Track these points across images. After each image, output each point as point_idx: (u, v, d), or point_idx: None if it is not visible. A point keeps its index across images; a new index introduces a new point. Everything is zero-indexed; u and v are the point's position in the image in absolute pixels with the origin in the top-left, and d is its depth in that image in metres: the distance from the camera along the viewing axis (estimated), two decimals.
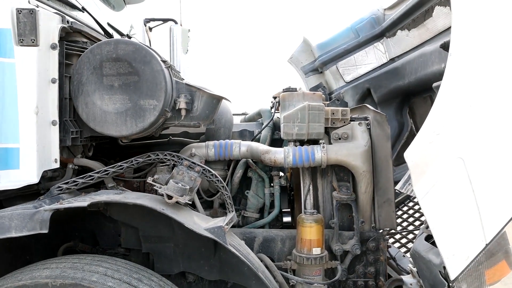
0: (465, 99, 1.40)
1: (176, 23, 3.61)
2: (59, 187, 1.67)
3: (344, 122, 2.05)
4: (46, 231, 1.39)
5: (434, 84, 1.91)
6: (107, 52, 1.70)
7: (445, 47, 1.78)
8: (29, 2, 1.64)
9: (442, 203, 1.44)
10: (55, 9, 1.83)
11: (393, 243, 3.29)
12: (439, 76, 2.03)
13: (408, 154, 1.42)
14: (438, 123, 1.41)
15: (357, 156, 1.97)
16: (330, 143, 2.05)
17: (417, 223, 3.46)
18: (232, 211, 1.82)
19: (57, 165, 1.66)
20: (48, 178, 1.76)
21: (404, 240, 3.34)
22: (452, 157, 1.42)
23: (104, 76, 1.70)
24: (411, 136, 2.90)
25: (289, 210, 2.39)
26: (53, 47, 1.62)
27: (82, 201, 1.49)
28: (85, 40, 1.86)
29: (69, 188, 1.68)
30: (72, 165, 1.85)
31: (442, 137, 1.41)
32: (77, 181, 1.70)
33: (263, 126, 2.38)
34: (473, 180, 1.39)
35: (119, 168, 1.77)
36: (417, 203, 3.39)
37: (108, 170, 1.75)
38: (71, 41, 1.77)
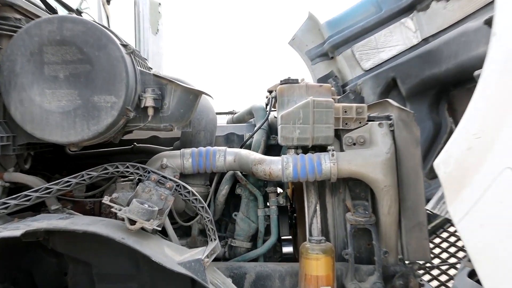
0: None
1: None
2: None
3: (360, 122, 2.06)
4: None
5: (476, 72, 1.93)
6: (49, 33, 1.71)
7: (490, 23, 1.80)
8: None
9: (487, 227, 1.45)
10: None
11: (429, 281, 3.30)
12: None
13: (439, 164, 1.43)
14: (479, 124, 1.42)
15: (377, 166, 1.98)
16: (342, 150, 2.07)
17: (461, 254, 3.47)
18: (215, 240, 1.83)
19: None
20: None
21: (443, 278, 3.35)
22: (499, 167, 1.43)
23: (46, 65, 1.72)
24: None
25: (290, 237, 2.40)
26: None
27: (15, 229, 1.49)
28: (18, 16, 1.87)
29: None
30: (1, 182, 1.86)
31: (484, 141, 1.42)
32: (8, 203, 1.70)
33: (256, 128, 2.40)
34: None
35: (65, 184, 1.78)
36: None
37: (50, 188, 1.76)
38: (0, 18, 1.78)
